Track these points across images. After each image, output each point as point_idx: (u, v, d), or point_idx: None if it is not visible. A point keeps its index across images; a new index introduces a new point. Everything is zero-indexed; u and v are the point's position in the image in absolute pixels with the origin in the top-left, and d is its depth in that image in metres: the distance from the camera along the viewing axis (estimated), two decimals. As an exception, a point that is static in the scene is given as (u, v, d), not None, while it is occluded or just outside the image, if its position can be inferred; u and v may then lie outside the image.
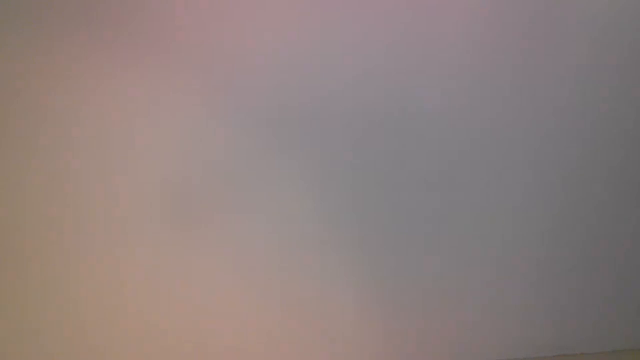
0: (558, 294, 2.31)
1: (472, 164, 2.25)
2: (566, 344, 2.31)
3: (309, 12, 2.16)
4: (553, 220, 2.29)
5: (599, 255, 2.33)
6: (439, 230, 2.24)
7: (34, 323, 2.04)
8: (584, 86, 2.26)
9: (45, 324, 2.05)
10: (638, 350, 2.31)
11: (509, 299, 2.30)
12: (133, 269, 2.09)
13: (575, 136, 2.28)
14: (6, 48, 2.02)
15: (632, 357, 2.27)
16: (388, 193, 2.22)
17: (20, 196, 2.04)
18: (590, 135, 2.29)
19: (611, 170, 2.30)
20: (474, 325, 2.28)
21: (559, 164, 2.28)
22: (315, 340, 2.20)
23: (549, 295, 2.31)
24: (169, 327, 2.11)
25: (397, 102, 2.21)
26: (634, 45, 2.26)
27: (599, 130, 2.29)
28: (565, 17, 2.23)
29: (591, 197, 2.30)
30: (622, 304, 2.35)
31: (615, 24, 2.25)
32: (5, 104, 2.02)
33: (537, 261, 2.30)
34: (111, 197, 2.08)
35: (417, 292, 2.24)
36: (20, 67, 2.03)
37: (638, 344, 2.33)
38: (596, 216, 2.31)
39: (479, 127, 2.24)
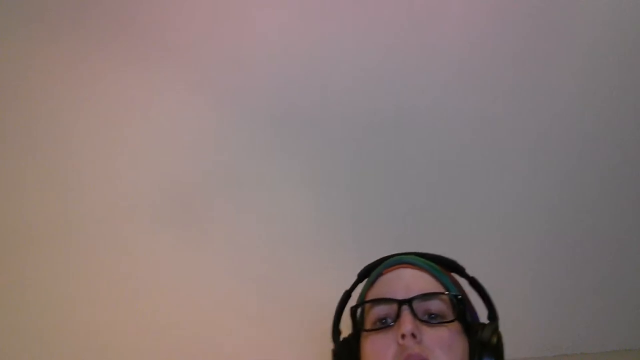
0: (558, 294, 2.31)
1: (472, 164, 2.25)
2: (566, 344, 2.31)
3: (309, 12, 2.16)
4: (553, 220, 2.29)
5: (598, 255, 2.32)
6: (439, 230, 2.24)
7: (33, 323, 2.04)
8: (584, 86, 2.26)
9: (44, 324, 2.05)
10: (638, 350, 2.31)
11: (509, 299, 2.29)
12: (132, 269, 2.09)
13: (575, 136, 2.28)
14: (6, 48, 2.02)
15: (632, 357, 2.27)
16: (388, 193, 2.22)
17: (18, 196, 2.04)
18: (590, 135, 2.28)
19: (611, 170, 2.30)
20: (474, 325, 2.27)
21: (559, 164, 2.28)
22: (315, 341, 2.20)
23: (549, 295, 2.31)
24: (167, 327, 2.11)
25: (397, 102, 2.20)
26: (634, 45, 2.26)
27: (599, 130, 2.29)
28: (565, 17, 2.23)
29: (591, 197, 2.30)
30: (622, 304, 2.34)
31: (615, 24, 2.25)
32: (5, 104, 2.02)
33: (537, 261, 2.29)
34: (111, 197, 2.08)
35: (417, 292, 2.24)
36: (20, 67, 2.03)
37: (638, 344, 2.33)
38: (596, 216, 2.31)
39: (479, 127, 2.24)
